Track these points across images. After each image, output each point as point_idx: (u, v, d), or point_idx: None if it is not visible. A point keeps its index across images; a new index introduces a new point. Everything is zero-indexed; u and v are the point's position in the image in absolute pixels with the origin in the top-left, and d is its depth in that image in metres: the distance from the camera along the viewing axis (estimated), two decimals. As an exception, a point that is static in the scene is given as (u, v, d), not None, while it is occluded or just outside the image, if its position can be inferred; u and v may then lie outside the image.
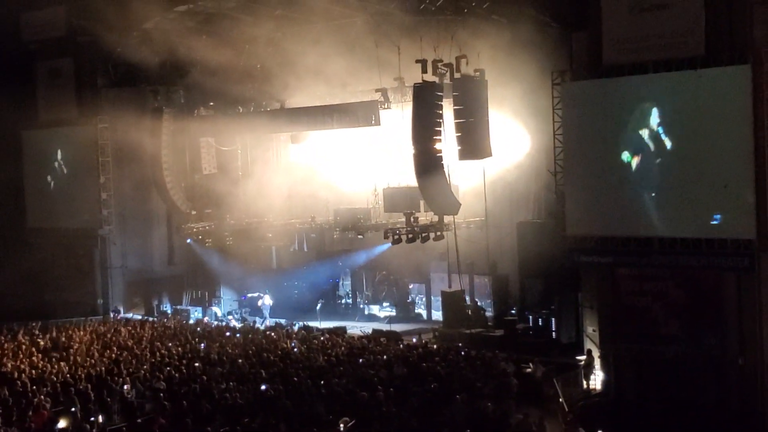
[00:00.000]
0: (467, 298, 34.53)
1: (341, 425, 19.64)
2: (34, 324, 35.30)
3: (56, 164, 43.02)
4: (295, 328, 34.85)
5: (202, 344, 30.59)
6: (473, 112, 30.85)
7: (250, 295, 41.35)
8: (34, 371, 26.57)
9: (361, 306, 40.19)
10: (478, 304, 34.29)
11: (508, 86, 31.87)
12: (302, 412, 21.07)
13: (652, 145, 26.30)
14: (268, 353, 27.97)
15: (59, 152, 42.80)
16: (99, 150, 40.83)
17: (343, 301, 41.07)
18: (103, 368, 26.61)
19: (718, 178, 25.13)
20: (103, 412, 22.44)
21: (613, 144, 27.05)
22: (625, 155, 26.81)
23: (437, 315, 36.06)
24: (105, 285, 41.99)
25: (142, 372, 25.85)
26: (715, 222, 25.39)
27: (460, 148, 30.89)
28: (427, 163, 30.49)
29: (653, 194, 26.45)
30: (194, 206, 40.87)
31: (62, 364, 27.41)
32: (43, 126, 43.03)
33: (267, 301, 39.71)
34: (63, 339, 31.89)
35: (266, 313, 39.37)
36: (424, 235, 32.52)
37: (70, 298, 41.26)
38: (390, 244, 34.21)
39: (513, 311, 33.46)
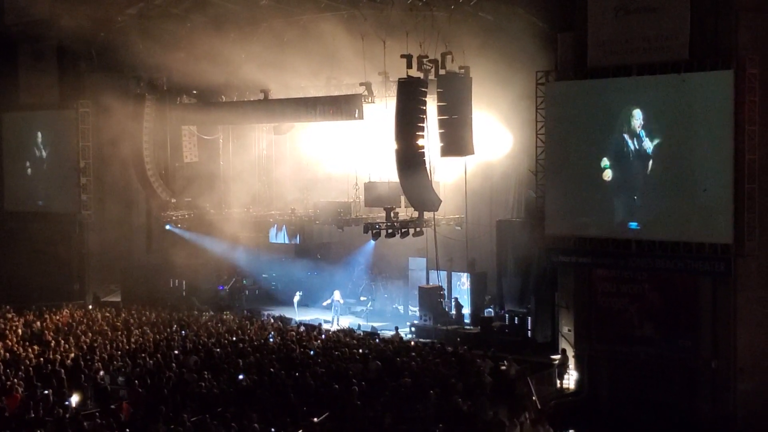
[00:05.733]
0: (444, 295, 34.55)
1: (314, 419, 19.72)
2: (7, 307, 35.05)
3: (36, 148, 42.67)
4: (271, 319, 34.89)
5: (183, 332, 30.53)
6: (457, 109, 30.80)
7: (226, 286, 41.27)
8: (8, 354, 26.42)
9: (339, 299, 40.05)
10: (455, 300, 34.32)
11: (492, 84, 31.80)
12: (276, 403, 21.06)
13: (633, 148, 26.47)
14: (243, 343, 27.95)
15: (39, 135, 42.40)
16: (80, 134, 40.51)
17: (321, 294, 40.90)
18: (78, 353, 26.49)
19: (698, 182, 25.33)
20: (76, 396, 22.36)
21: (595, 145, 27.18)
22: (606, 157, 26.96)
23: (414, 310, 36.04)
24: (82, 270, 41.75)
25: (117, 358, 25.77)
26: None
27: (442, 144, 30.82)
28: (409, 158, 30.43)
29: (633, 196, 26.59)
30: (174, 194, 40.62)
31: (36, 347, 27.27)
32: (24, 109, 42.60)
33: (337, 297, 37.57)
34: (37, 323, 31.71)
35: (336, 310, 37.21)
36: (403, 230, 32.47)
37: (47, 282, 40.88)
38: (372, 241, 34.17)
39: (490, 309, 33.51)
